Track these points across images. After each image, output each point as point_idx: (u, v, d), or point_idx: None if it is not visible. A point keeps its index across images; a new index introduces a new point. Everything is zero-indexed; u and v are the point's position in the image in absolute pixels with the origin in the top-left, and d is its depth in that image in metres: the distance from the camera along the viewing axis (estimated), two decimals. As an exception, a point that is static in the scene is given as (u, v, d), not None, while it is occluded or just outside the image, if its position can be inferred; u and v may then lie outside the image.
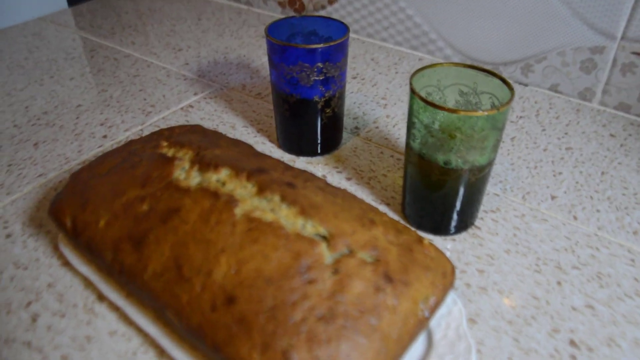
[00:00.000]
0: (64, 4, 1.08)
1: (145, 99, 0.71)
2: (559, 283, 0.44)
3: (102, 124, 0.66)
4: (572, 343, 0.40)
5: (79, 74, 0.77)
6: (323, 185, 0.39)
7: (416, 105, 0.42)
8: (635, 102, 0.65)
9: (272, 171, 0.38)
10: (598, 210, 0.52)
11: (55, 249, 0.48)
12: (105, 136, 0.63)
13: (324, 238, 0.33)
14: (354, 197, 0.39)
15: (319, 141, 0.57)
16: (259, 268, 0.32)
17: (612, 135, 0.63)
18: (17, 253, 0.47)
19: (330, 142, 0.58)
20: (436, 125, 0.42)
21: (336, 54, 0.51)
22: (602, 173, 0.57)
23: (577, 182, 0.55)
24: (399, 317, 0.32)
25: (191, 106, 0.69)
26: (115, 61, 0.81)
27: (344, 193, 0.39)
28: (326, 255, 0.33)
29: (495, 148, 0.43)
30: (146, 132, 0.64)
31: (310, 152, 0.58)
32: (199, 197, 0.36)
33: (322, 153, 0.59)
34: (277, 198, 0.35)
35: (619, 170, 0.57)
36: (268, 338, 0.30)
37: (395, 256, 0.34)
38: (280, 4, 0.94)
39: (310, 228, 0.34)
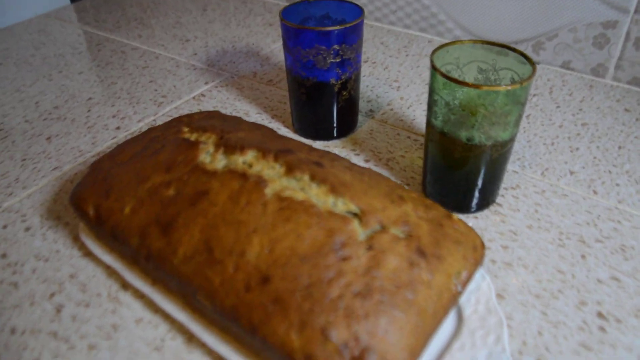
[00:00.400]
0: (67, 0, 1.08)
1: (156, 90, 0.70)
2: (583, 256, 0.44)
3: (114, 116, 0.65)
4: (600, 315, 0.40)
5: (87, 68, 0.77)
6: (349, 165, 0.39)
7: (438, 83, 0.42)
8: (649, 76, 0.65)
9: (298, 152, 0.38)
10: (617, 184, 0.52)
11: (75, 240, 0.48)
12: (118, 127, 0.63)
13: (356, 215, 0.33)
14: (379, 175, 0.39)
15: (335, 125, 0.57)
16: (292, 246, 0.32)
17: (626, 110, 0.63)
18: (37, 246, 0.47)
19: (346, 126, 0.58)
20: (458, 102, 0.42)
21: (352, 36, 0.51)
22: (619, 147, 0.57)
23: (594, 157, 0.55)
24: (434, 292, 0.32)
25: (203, 95, 0.68)
26: (123, 54, 0.81)
27: (369, 172, 0.39)
28: (359, 231, 0.33)
29: (517, 123, 0.43)
30: (160, 122, 0.64)
31: (327, 136, 0.58)
32: (227, 179, 0.35)
33: (339, 137, 0.58)
34: (306, 177, 0.35)
35: (636, 144, 0.57)
36: (305, 316, 0.30)
37: (426, 231, 0.34)
38: (285, -9, 0.93)
39: (341, 206, 0.34)
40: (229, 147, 0.38)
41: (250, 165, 0.37)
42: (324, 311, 0.30)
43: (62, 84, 0.73)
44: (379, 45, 0.79)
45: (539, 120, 0.61)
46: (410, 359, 0.30)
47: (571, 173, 0.53)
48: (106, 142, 0.61)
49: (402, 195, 0.36)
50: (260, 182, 0.35)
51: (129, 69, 0.76)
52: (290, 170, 0.35)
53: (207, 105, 0.66)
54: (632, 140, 0.57)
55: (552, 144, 0.57)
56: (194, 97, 0.68)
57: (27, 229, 0.49)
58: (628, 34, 0.64)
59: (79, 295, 0.43)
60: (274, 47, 0.80)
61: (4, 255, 0.46)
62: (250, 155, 0.37)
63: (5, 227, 0.50)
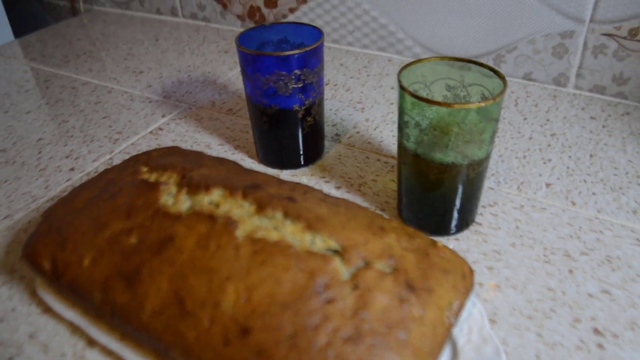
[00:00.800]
0: (11, 36, 1.03)
1: (110, 126, 0.67)
2: (570, 271, 0.43)
3: (67, 156, 0.62)
4: (596, 331, 0.38)
5: (36, 107, 0.73)
6: (322, 197, 0.36)
7: (407, 103, 0.41)
8: (610, 82, 0.65)
9: (267, 186, 0.35)
10: (594, 193, 0.51)
11: (33, 295, 0.44)
12: (72, 169, 0.59)
13: (337, 252, 0.31)
14: (355, 205, 0.36)
15: (301, 152, 0.55)
16: (271, 293, 0.29)
17: (592, 117, 0.63)
18: (-11, 305, 0.43)
19: (313, 152, 0.56)
20: (430, 122, 0.40)
21: (313, 59, 0.49)
22: (591, 156, 0.56)
23: (568, 167, 0.54)
24: (427, 328, 0.29)
25: (160, 129, 0.65)
26: (73, 90, 0.77)
27: (345, 202, 0.36)
28: (342, 270, 0.30)
29: (492, 140, 0.42)
30: (116, 161, 0.60)
31: (294, 165, 0.56)
32: (193, 223, 0.33)
33: (306, 164, 0.56)
34: (279, 214, 0.32)
35: (606, 151, 0.57)
36: (292, 368, 0.27)
37: (413, 263, 0.32)
38: (239, 17, 0.91)
39: (320, 243, 0.31)
40: (192, 186, 0.35)
41: (217, 205, 0.34)
42: (313, 362, 0.27)
43: (8, 125, 0.69)
44: (338, 66, 0.78)
45: (508, 134, 0.60)
46: (410, 405, 0.27)
47: (547, 185, 0.52)
48: (60, 185, 0.57)
49: (382, 226, 0.34)
50: (229, 224, 0.32)
51: (80, 105, 0.72)
52: (261, 208, 0.33)
53: (166, 139, 0.63)
54: (602, 148, 0.57)
55: (524, 157, 0.56)
56: (151, 132, 0.65)
57: (-24, 287, 0.45)
58: (585, 43, 0.64)
59: (41, 356, 0.39)
60: (231, 74, 0.78)
61: (-50, 320, 0.42)
62: (216, 194, 0.34)
63: (-50, 287, 0.45)
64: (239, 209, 0.33)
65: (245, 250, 0.30)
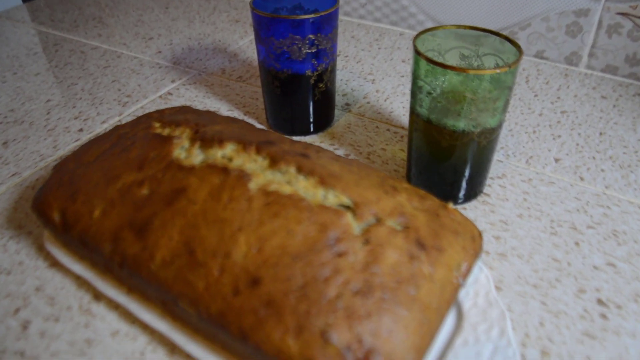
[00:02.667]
0: (18, 0, 1.02)
1: (119, 90, 0.67)
2: (576, 243, 0.43)
3: (76, 118, 0.61)
4: (600, 302, 0.38)
5: (44, 69, 0.73)
6: (335, 156, 0.36)
7: (422, 68, 0.40)
8: (623, 63, 0.65)
9: (281, 143, 0.35)
10: (602, 170, 0.51)
11: (40, 249, 0.44)
12: (81, 129, 0.59)
13: (348, 208, 0.31)
14: (368, 166, 0.36)
15: (311, 119, 0.55)
16: (283, 244, 0.29)
17: (603, 97, 0.62)
18: (-3, 258, 0.44)
19: (323, 120, 0.56)
20: (443, 89, 0.40)
21: (327, 25, 0.49)
22: (600, 134, 0.56)
23: (577, 144, 0.54)
24: (436, 286, 0.30)
25: (170, 93, 0.65)
26: (82, 54, 0.76)
27: (357, 163, 0.36)
28: (354, 225, 0.30)
29: (505, 109, 0.42)
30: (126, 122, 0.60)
31: (304, 131, 0.56)
32: (206, 174, 0.33)
33: (316, 131, 0.56)
34: (292, 169, 0.32)
35: (616, 130, 0.56)
36: (302, 319, 0.27)
37: (423, 222, 0.32)
38: (250, -13, 0.90)
39: (332, 198, 0.31)
40: (205, 140, 0.35)
41: (230, 159, 0.34)
42: (322, 312, 0.27)
43: (17, 86, 0.69)
44: (349, 39, 0.77)
45: (518, 109, 0.60)
46: (417, 357, 0.28)
47: (556, 160, 0.52)
48: (68, 145, 0.57)
49: (394, 186, 0.34)
50: (243, 176, 0.32)
51: (89, 69, 0.72)
52: (274, 162, 0.33)
53: (175, 104, 0.63)
54: (612, 127, 0.57)
55: (534, 132, 0.56)
56: (160, 96, 0.65)
57: (-15, 241, 0.45)
58: (600, 21, 0.64)
59: (47, 309, 0.39)
60: (242, 43, 0.78)
61: (-41, 271, 0.42)
62: (229, 149, 0.34)
63: (-41, 239, 0.45)
64: (252, 164, 0.33)
65: (258, 202, 0.30)
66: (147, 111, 0.62)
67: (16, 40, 0.82)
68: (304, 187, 0.32)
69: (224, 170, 0.32)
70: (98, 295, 0.40)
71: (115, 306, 0.39)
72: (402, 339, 0.27)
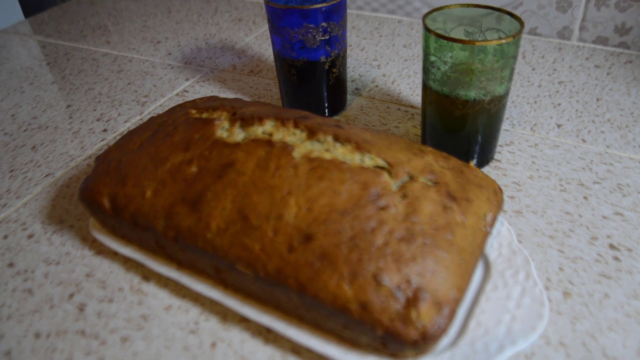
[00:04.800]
0: (21, 16, 1.05)
1: (136, 91, 0.70)
2: (585, 198, 0.46)
3: (98, 120, 0.64)
4: (612, 246, 0.42)
5: (60, 77, 0.76)
6: (364, 127, 0.40)
7: (433, 44, 0.44)
8: (612, 33, 0.68)
9: (314, 118, 0.38)
10: (602, 132, 0.54)
11: (84, 240, 0.47)
12: (105, 130, 0.62)
13: (384, 169, 0.34)
14: (394, 134, 0.40)
15: (326, 104, 0.58)
16: (330, 203, 0.32)
17: (596, 66, 0.66)
18: (44, 251, 0.46)
19: (337, 104, 0.59)
20: (454, 62, 0.43)
21: (338, 12, 0.52)
22: (597, 99, 0.60)
23: (576, 110, 0.58)
24: (469, 232, 0.33)
25: (186, 91, 0.68)
26: (94, 61, 0.79)
27: (385, 132, 0.40)
28: (391, 182, 0.33)
29: (511, 77, 0.45)
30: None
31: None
32: (251, 148, 0.36)
33: (331, 115, 0.59)
34: (330, 138, 0.36)
35: (612, 95, 0.60)
36: (355, 266, 0.30)
37: (451, 178, 0.35)
38: (249, -13, 0.93)
39: (368, 161, 0.35)
40: (245, 119, 0.38)
41: (271, 135, 0.37)
42: (373, 259, 0.30)
43: (36, 95, 0.71)
44: (350, 29, 0.81)
45: (518, 83, 0.64)
46: (459, 295, 0.31)
47: (558, 126, 0.56)
48: (95, 144, 0.60)
49: (421, 149, 0.37)
50: (286, 147, 0.35)
51: (103, 74, 0.75)
52: (312, 133, 0.36)
53: (193, 100, 0.66)
54: (608, 92, 0.61)
55: (535, 102, 0.60)
56: (177, 94, 0.68)
57: (30, 236, 0.48)
58: (588, -5, 0.68)
59: (100, 292, 0.42)
60: (248, 40, 0.81)
61: (10, 265, 0.45)
62: (269, 125, 0.38)
63: (6, 237, 0.48)
64: (292, 137, 0.36)
65: (303, 167, 0.34)
66: (166, 108, 0.65)
67: (26, 53, 0.84)
68: (342, 153, 0.35)
69: (269, 143, 0.36)
70: (147, 276, 0.43)
71: (164, 284, 0.42)
72: (445, 277, 0.30)
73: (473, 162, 0.38)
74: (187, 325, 0.39)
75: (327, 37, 0.52)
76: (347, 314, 0.30)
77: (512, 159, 0.51)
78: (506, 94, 0.46)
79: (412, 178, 0.34)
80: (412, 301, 0.29)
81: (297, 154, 0.35)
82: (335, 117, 0.60)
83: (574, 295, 0.38)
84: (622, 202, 0.46)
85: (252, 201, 0.34)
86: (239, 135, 0.38)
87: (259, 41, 0.80)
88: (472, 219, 0.34)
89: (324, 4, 0.50)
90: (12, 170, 0.57)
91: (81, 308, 0.41)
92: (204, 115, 0.41)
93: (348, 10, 0.86)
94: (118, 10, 0.98)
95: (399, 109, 0.60)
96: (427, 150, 0.37)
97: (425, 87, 0.47)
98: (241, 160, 0.35)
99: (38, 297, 0.42)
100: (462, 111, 0.46)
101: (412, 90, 0.63)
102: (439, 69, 0.45)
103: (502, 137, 0.54)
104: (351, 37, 0.78)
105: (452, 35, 0.49)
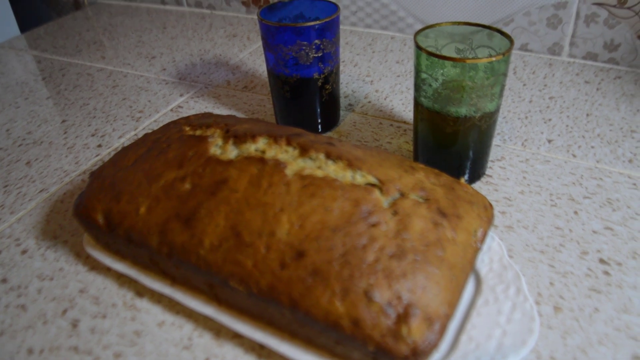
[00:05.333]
0: (16, 31, 1.05)
1: (131, 106, 0.70)
2: (575, 212, 0.47)
3: (93, 135, 0.65)
4: (602, 261, 0.42)
5: (55, 92, 0.76)
6: (355, 144, 0.40)
7: (424, 62, 0.44)
8: (601, 49, 0.70)
9: (307, 135, 0.39)
10: (592, 147, 0.55)
11: (78, 256, 0.47)
12: (100, 145, 0.63)
13: (375, 186, 0.35)
14: (385, 151, 0.40)
15: (319, 120, 0.59)
16: (322, 220, 0.33)
17: (586, 82, 0.67)
18: (38, 266, 0.46)
19: (330, 120, 0.60)
20: (445, 79, 0.44)
21: (331, 30, 0.53)
22: (587, 115, 0.60)
23: (567, 125, 0.59)
24: (459, 248, 0.33)
25: (180, 106, 0.69)
26: (89, 76, 0.80)
27: (377, 148, 0.40)
28: (382, 199, 0.34)
29: (501, 94, 0.46)
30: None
31: (313, 132, 0.59)
32: (244, 165, 0.36)
33: (324, 131, 0.60)
34: (322, 156, 0.36)
35: (601, 110, 0.61)
36: (346, 283, 0.31)
37: (442, 195, 0.35)
38: (244, 3, 0.94)
39: (360, 178, 0.35)
40: (238, 137, 0.39)
41: (263, 152, 0.38)
42: (364, 275, 0.31)
43: (30, 110, 0.72)
44: (344, 45, 0.82)
45: (509, 98, 0.64)
46: (449, 310, 0.31)
47: (549, 141, 0.56)
48: (90, 160, 0.60)
49: (412, 166, 0.38)
50: (279, 164, 0.35)
51: (98, 89, 0.75)
52: (304, 151, 0.37)
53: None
54: (597, 107, 0.61)
55: (526, 117, 0.61)
56: (171, 109, 0.68)
57: (24, 252, 0.48)
58: (578, 12, 0.69)
59: (93, 308, 0.42)
60: (242, 56, 0.81)
61: (4, 280, 0.45)
62: (261, 142, 0.38)
63: (-1, 252, 0.48)
64: (284, 154, 0.37)
65: (295, 185, 0.34)
66: (161, 124, 0.65)
67: (22, 68, 0.85)
68: (334, 170, 0.35)
69: (261, 160, 0.36)
70: (140, 292, 0.43)
71: (158, 300, 0.42)
72: (436, 293, 0.31)
73: (464, 179, 0.39)
74: (181, 341, 0.39)
75: (320, 54, 0.53)
76: (339, 330, 0.30)
77: (504, 174, 0.52)
78: (497, 111, 0.47)
79: (403, 195, 0.34)
80: (403, 317, 0.30)
81: (289, 171, 0.35)
82: (329, 133, 0.60)
83: (565, 310, 0.39)
84: (612, 217, 0.46)
85: (244, 218, 0.34)
86: (232, 152, 0.38)
87: (253, 57, 0.81)
88: (462, 235, 0.34)
89: (317, 22, 0.51)
90: (6, 186, 0.57)
91: (74, 324, 0.41)
92: (198, 133, 0.41)
93: (341, 26, 0.87)
94: (113, 26, 0.99)
95: (391, 125, 0.61)
96: (418, 167, 0.38)
97: (417, 104, 0.48)
98: (234, 177, 0.36)
99: (31, 313, 0.42)
100: (453, 128, 0.46)
101: (404, 106, 0.64)
102: (430, 85, 0.45)
103: (494, 153, 0.55)
104: (344, 53, 0.79)
105: (444, 52, 0.50)
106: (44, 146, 0.64)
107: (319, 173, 0.35)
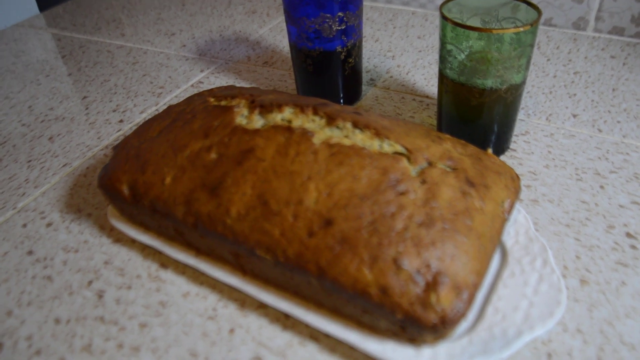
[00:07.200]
0: (36, 10, 1.06)
1: (151, 82, 0.70)
2: (601, 187, 0.46)
3: (114, 110, 0.65)
4: (629, 235, 0.42)
5: (76, 69, 0.76)
6: (381, 114, 0.40)
7: (449, 33, 0.44)
8: (629, 23, 0.68)
9: (333, 105, 0.39)
10: (619, 122, 0.54)
11: (102, 229, 0.48)
12: (121, 120, 0.63)
13: (403, 154, 0.35)
14: (411, 121, 0.40)
15: (342, 94, 0.58)
16: (350, 188, 0.33)
17: (612, 56, 0.66)
18: (63, 239, 0.47)
19: (352, 94, 0.59)
20: (471, 50, 0.43)
21: (354, 2, 0.52)
22: (613, 90, 0.59)
23: (592, 100, 0.58)
24: (487, 217, 0.33)
25: (201, 82, 0.69)
26: (109, 53, 0.80)
27: (403, 119, 0.40)
28: (410, 168, 0.34)
29: (528, 66, 0.45)
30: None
31: (334, 106, 0.59)
32: (271, 134, 0.36)
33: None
34: (349, 125, 0.36)
35: (628, 85, 0.60)
36: (375, 250, 0.31)
37: (469, 165, 0.35)
38: (262, -21, 0.94)
39: (387, 147, 0.35)
40: (264, 106, 0.38)
41: (290, 121, 0.37)
42: (393, 243, 0.31)
43: (52, 87, 0.72)
44: (365, 21, 0.81)
45: (533, 73, 0.63)
46: (478, 280, 0.31)
47: (574, 116, 0.55)
48: (112, 135, 0.60)
49: (439, 136, 0.37)
50: (306, 133, 0.35)
51: (119, 66, 0.76)
52: (331, 120, 0.36)
53: (208, 91, 0.66)
54: (624, 82, 0.60)
55: (551, 92, 0.60)
56: (192, 85, 0.68)
57: (49, 225, 0.49)
58: (604, -15, 0.67)
59: (118, 279, 0.43)
60: (262, 32, 0.81)
61: (30, 252, 0.46)
62: (288, 112, 0.38)
63: (25, 225, 0.49)
64: (311, 123, 0.37)
65: (323, 153, 0.34)
66: (182, 99, 0.65)
67: (42, 46, 0.85)
68: (361, 139, 0.35)
69: (288, 129, 0.36)
70: (165, 263, 0.43)
71: (182, 271, 0.43)
72: (464, 262, 0.31)
73: (490, 150, 0.38)
74: (206, 311, 0.39)
75: (343, 27, 0.52)
76: (367, 298, 0.30)
77: (528, 149, 0.51)
78: (523, 83, 0.46)
79: (430, 164, 0.34)
80: (432, 285, 0.30)
81: (316, 140, 0.35)
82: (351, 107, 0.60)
83: (591, 283, 0.38)
84: (638, 191, 0.46)
85: (272, 187, 0.34)
86: (258, 122, 0.38)
87: (273, 33, 0.80)
88: (490, 205, 0.34)
89: (340, -6, 0.50)
90: (29, 161, 0.58)
91: (100, 295, 0.42)
92: (223, 103, 0.41)
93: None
94: (132, 3, 0.99)
95: (414, 99, 0.60)
96: (445, 137, 0.37)
97: (442, 76, 0.47)
98: (261, 146, 0.36)
99: (57, 284, 0.43)
100: (478, 100, 0.46)
101: (426, 81, 0.64)
102: (455, 57, 0.45)
103: (518, 127, 0.54)
104: (365, 29, 0.78)
105: (469, 24, 0.49)
106: (66, 122, 0.64)
107: (347, 142, 0.35)
